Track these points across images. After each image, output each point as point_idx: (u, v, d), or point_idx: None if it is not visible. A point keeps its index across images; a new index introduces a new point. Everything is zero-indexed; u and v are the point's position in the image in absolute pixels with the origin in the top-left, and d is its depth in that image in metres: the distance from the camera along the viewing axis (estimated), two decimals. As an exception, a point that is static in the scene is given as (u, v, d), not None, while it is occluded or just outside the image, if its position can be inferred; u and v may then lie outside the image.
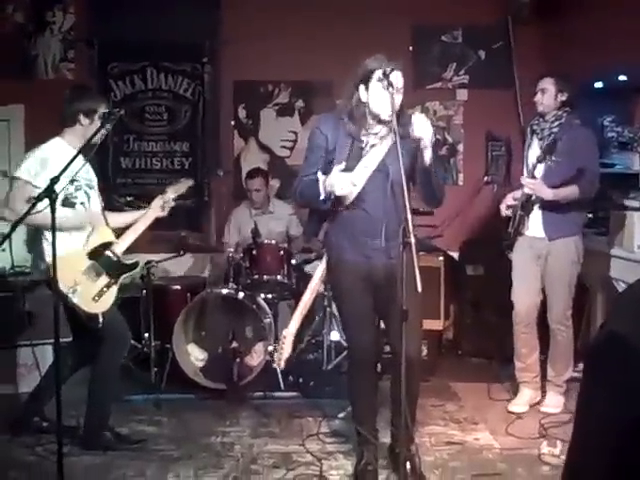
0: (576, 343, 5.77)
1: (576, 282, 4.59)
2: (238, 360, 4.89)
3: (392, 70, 3.31)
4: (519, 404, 4.60)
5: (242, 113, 6.57)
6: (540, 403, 4.62)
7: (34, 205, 3.17)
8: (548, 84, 4.43)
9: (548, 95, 4.42)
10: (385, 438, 3.82)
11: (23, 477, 3.65)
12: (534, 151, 4.48)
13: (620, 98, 6.26)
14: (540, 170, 4.35)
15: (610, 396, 1.35)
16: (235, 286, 5.11)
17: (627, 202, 5.11)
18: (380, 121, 3.35)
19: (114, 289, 3.93)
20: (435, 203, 3.61)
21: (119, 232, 4.07)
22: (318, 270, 3.96)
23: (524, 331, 4.57)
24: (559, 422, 4.30)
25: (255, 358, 5.08)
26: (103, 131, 3.82)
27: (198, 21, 6.33)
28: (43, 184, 3.37)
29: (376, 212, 3.38)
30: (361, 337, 3.59)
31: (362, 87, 3.38)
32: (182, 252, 5.34)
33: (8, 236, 3.29)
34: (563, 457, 3.73)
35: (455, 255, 6.01)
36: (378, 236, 3.39)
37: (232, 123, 6.56)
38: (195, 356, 5.15)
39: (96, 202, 4.03)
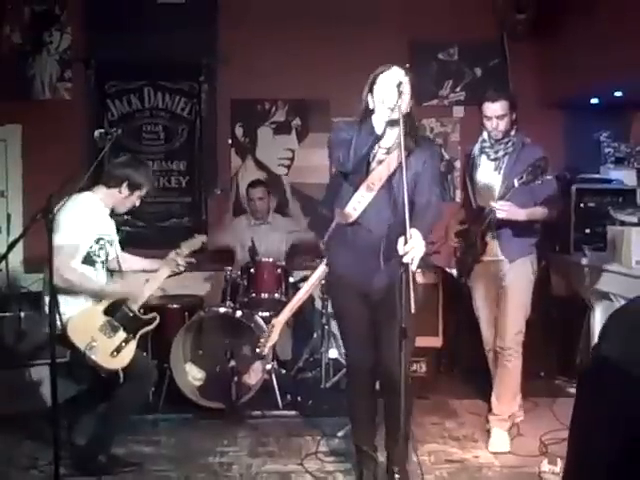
0: (574, 359, 5.78)
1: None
2: (236, 379, 4.86)
3: (390, 67, 3.32)
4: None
5: (239, 131, 6.58)
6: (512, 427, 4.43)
7: (31, 224, 3.18)
8: (504, 109, 4.17)
9: (506, 121, 4.18)
10: (383, 457, 3.78)
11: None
12: (485, 173, 4.31)
13: (616, 114, 6.29)
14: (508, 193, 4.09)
15: (602, 419, 1.35)
16: (233, 304, 5.10)
17: (624, 218, 5.11)
18: (391, 123, 3.28)
19: (133, 344, 3.91)
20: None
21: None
22: (318, 269, 3.95)
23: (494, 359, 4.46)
24: (559, 439, 4.27)
25: (253, 377, 5.05)
26: (137, 200, 3.95)
27: (195, 40, 6.34)
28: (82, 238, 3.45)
29: (378, 230, 3.36)
30: (360, 355, 3.57)
31: (369, 95, 3.37)
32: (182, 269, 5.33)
33: (4, 257, 3.29)
34: (564, 475, 3.72)
35: (453, 272, 5.99)
36: (378, 254, 3.37)
37: (229, 141, 6.58)
38: (193, 375, 5.12)
39: (113, 255, 4.05)
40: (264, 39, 6.29)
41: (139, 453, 4.21)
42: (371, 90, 3.37)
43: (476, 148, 4.39)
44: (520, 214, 4.10)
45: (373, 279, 3.41)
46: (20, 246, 4.77)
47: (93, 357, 3.73)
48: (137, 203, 4.03)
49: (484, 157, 4.33)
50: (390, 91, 3.23)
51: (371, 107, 3.37)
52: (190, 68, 6.40)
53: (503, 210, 4.03)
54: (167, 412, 4.83)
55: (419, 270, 3.31)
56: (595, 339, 5.56)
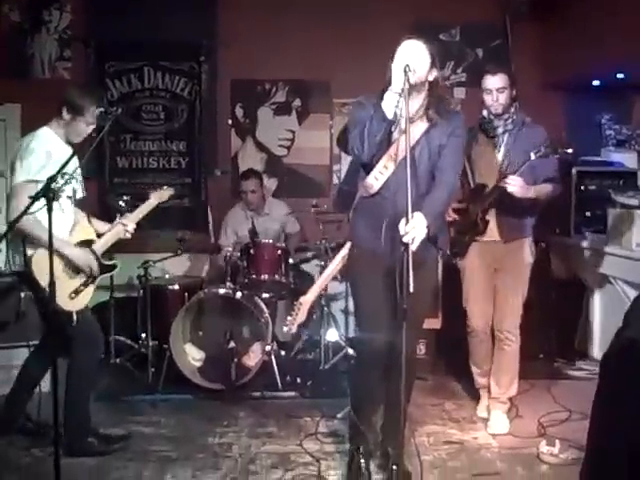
0: (574, 342, 5.80)
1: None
2: (236, 360, 4.87)
3: (409, 38, 3.26)
4: (483, 410, 4.52)
5: (239, 112, 6.56)
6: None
7: (32, 203, 3.13)
8: (504, 82, 4.12)
9: (506, 94, 4.13)
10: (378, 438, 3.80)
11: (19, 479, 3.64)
12: (484, 151, 4.24)
13: (618, 96, 6.28)
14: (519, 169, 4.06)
15: (630, 401, 1.34)
16: (232, 286, 5.09)
17: (625, 200, 5.11)
18: (412, 91, 3.19)
19: (91, 289, 3.89)
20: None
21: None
22: (344, 248, 3.90)
23: (482, 338, 4.38)
24: (558, 420, 4.30)
25: (253, 358, 5.07)
26: (89, 128, 3.80)
27: (195, 20, 6.31)
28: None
29: (401, 201, 3.14)
30: (373, 331, 3.46)
31: (390, 66, 3.28)
32: (179, 252, 5.34)
33: (5, 236, 3.27)
34: (562, 456, 3.76)
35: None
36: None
37: (229, 122, 6.55)
38: (192, 356, 5.13)
39: (79, 193, 3.98)
40: (265, 19, 6.26)
41: (138, 433, 4.21)
42: (392, 61, 3.26)
43: (475, 128, 4.28)
44: (530, 190, 4.05)
45: (395, 251, 3.21)
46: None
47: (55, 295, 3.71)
48: (88, 130, 3.84)
49: (482, 135, 4.26)
50: (397, 74, 3.17)
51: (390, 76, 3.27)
52: (190, 48, 6.36)
53: (515, 185, 3.98)
54: (167, 393, 4.83)
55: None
56: (595, 322, 5.61)
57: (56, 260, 3.72)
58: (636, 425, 1.36)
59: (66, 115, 3.80)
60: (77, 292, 3.82)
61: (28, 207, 3.13)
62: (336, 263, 4.01)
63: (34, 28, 6.34)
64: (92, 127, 3.85)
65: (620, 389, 1.40)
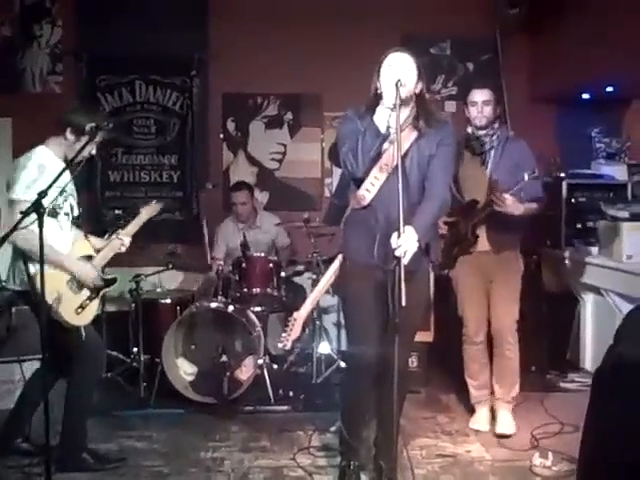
0: (565, 354, 5.81)
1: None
2: (228, 374, 4.86)
3: (396, 51, 3.31)
4: (480, 422, 4.51)
5: (231, 126, 6.57)
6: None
7: (22, 219, 3.13)
8: (490, 96, 4.29)
9: (490, 108, 4.28)
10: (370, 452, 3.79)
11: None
12: (471, 168, 4.32)
13: (607, 109, 6.31)
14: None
15: (622, 418, 1.35)
16: (224, 299, 5.09)
17: (615, 212, 5.13)
18: (401, 103, 3.20)
19: (95, 303, 3.91)
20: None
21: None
22: (335, 261, 3.90)
23: (477, 348, 4.49)
24: (551, 433, 4.30)
25: (245, 372, 5.05)
26: (91, 147, 3.80)
27: (186, 34, 6.32)
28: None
29: (393, 212, 3.14)
30: (365, 345, 3.44)
31: (377, 78, 3.33)
32: (170, 266, 5.33)
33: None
34: (555, 468, 3.76)
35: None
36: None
37: (221, 136, 6.57)
38: (184, 370, 5.11)
39: (76, 211, 3.99)
40: (256, 33, 6.28)
41: (131, 448, 4.20)
42: (378, 74, 3.32)
43: (460, 144, 4.27)
44: (520, 208, 4.18)
45: (388, 264, 3.22)
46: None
47: (60, 311, 3.71)
48: (93, 151, 3.87)
49: (468, 153, 4.35)
50: (389, 89, 3.21)
51: (379, 91, 3.32)
52: (182, 62, 6.36)
53: (506, 204, 4.10)
54: (159, 407, 4.82)
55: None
56: (587, 334, 5.63)
57: (60, 276, 3.75)
58: (627, 440, 1.36)
59: (70, 136, 3.82)
60: (82, 307, 3.83)
61: (19, 222, 3.13)
62: (328, 277, 4.01)
63: (25, 42, 6.35)
64: (94, 147, 3.88)
65: (612, 405, 1.41)
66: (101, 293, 3.96)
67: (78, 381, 3.88)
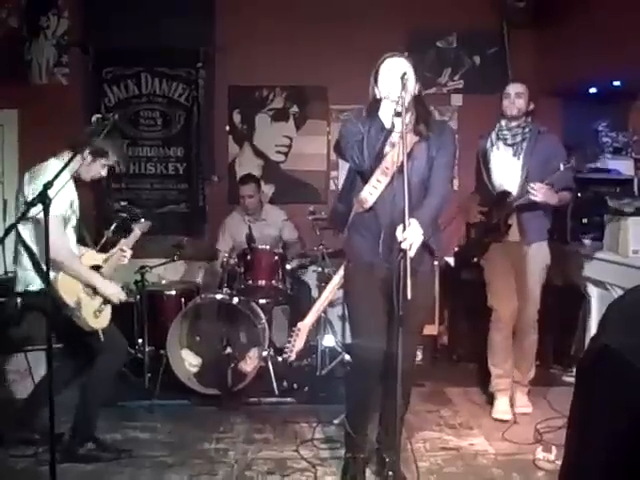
0: (570, 349, 5.80)
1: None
2: (232, 366, 4.88)
3: (392, 56, 3.35)
4: (503, 411, 4.55)
5: (237, 118, 6.57)
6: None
7: (28, 210, 3.14)
8: (523, 89, 4.47)
9: (523, 100, 4.44)
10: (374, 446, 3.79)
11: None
12: (503, 159, 4.50)
13: (614, 103, 6.28)
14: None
15: (604, 411, 1.34)
16: (229, 291, 5.10)
17: (621, 207, 5.11)
18: (397, 114, 3.26)
19: (109, 307, 3.95)
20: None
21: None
22: (337, 276, 3.92)
23: (506, 335, 4.58)
24: (554, 427, 4.30)
25: (249, 364, 5.06)
26: (102, 168, 3.89)
27: (193, 26, 6.33)
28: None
29: (396, 213, 3.19)
30: (370, 345, 3.42)
31: (375, 86, 3.37)
32: (176, 257, 5.34)
33: (1, 241, 3.27)
34: (558, 462, 3.74)
35: (450, 260, 6.01)
36: (395, 239, 3.29)
37: (227, 128, 6.57)
38: (189, 362, 5.13)
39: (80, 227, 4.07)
40: (262, 26, 6.28)
41: (135, 439, 4.21)
42: (376, 81, 3.38)
43: (492, 135, 4.57)
44: (555, 198, 4.33)
45: (392, 262, 3.22)
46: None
47: (83, 316, 3.76)
48: (103, 173, 3.94)
49: (501, 143, 4.52)
50: (394, 83, 3.23)
51: (378, 97, 3.36)
52: (188, 54, 6.38)
53: (541, 193, 4.22)
54: (163, 398, 4.82)
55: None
56: (592, 329, 5.62)
57: (76, 281, 3.79)
58: (609, 432, 1.36)
59: (88, 156, 3.85)
60: (100, 311, 3.88)
61: (24, 213, 3.17)
62: (331, 288, 4.03)
63: (32, 34, 6.36)
64: (105, 169, 3.95)
65: (594, 395, 1.40)
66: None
67: (96, 373, 3.91)
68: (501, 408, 4.59)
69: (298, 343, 4.17)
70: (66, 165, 3.42)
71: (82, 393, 3.93)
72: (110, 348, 3.91)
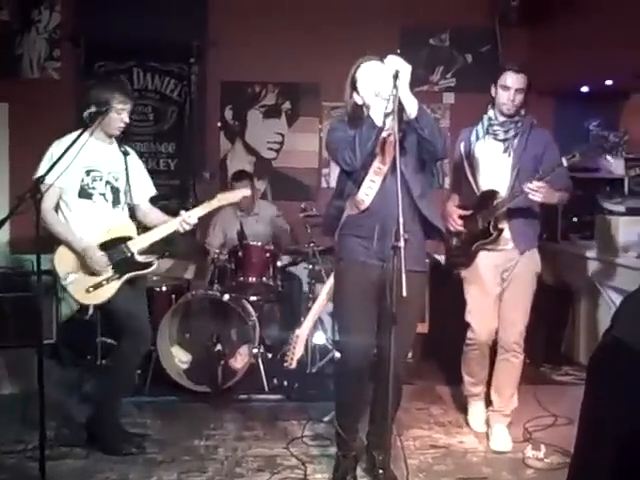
0: (560, 347, 5.82)
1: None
2: (222, 363, 4.87)
3: (369, 59, 3.35)
4: (477, 423, 4.35)
5: (229, 114, 6.56)
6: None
7: (18, 205, 3.16)
8: (524, 83, 3.91)
9: (522, 96, 3.93)
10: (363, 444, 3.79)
11: (4, 481, 3.62)
12: (492, 155, 4.01)
13: (606, 103, 6.30)
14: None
15: (617, 403, 1.34)
16: (220, 288, 5.09)
17: (612, 206, 5.14)
18: (388, 113, 3.23)
19: (115, 284, 3.84)
20: (436, 153, 3.39)
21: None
22: (329, 281, 3.92)
23: (484, 353, 4.19)
24: (544, 425, 4.31)
25: (239, 361, 5.06)
26: (123, 121, 3.83)
27: (185, 21, 6.31)
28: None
29: (392, 211, 3.12)
30: (359, 343, 3.43)
31: (352, 91, 3.39)
32: (166, 253, 5.31)
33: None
34: (547, 460, 3.77)
35: (441, 258, 6.00)
36: (391, 238, 3.27)
37: (218, 124, 6.56)
38: (179, 358, 5.11)
39: (121, 195, 3.96)
40: (255, 22, 6.27)
41: (125, 435, 4.21)
42: (355, 87, 3.37)
43: (478, 129, 4.10)
44: (554, 197, 3.90)
45: (388, 262, 3.19)
46: (7, 227, 4.72)
47: (69, 288, 3.76)
48: (125, 119, 3.83)
49: (490, 138, 4.03)
50: (386, 82, 3.20)
51: (360, 103, 3.36)
52: (180, 49, 6.36)
53: (540, 192, 3.75)
54: (153, 395, 4.82)
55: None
56: (582, 327, 5.64)
57: (74, 256, 3.78)
58: (620, 426, 1.36)
59: (96, 111, 3.77)
60: (97, 287, 3.80)
61: (17, 206, 3.16)
62: (327, 289, 4.03)
63: (23, 28, 6.33)
64: (125, 114, 3.84)
65: (606, 389, 1.40)
66: (126, 276, 3.88)
67: (119, 357, 3.95)
68: (474, 418, 4.36)
69: (298, 350, 4.17)
70: (74, 140, 3.44)
71: (104, 379, 3.98)
72: (133, 332, 3.88)
